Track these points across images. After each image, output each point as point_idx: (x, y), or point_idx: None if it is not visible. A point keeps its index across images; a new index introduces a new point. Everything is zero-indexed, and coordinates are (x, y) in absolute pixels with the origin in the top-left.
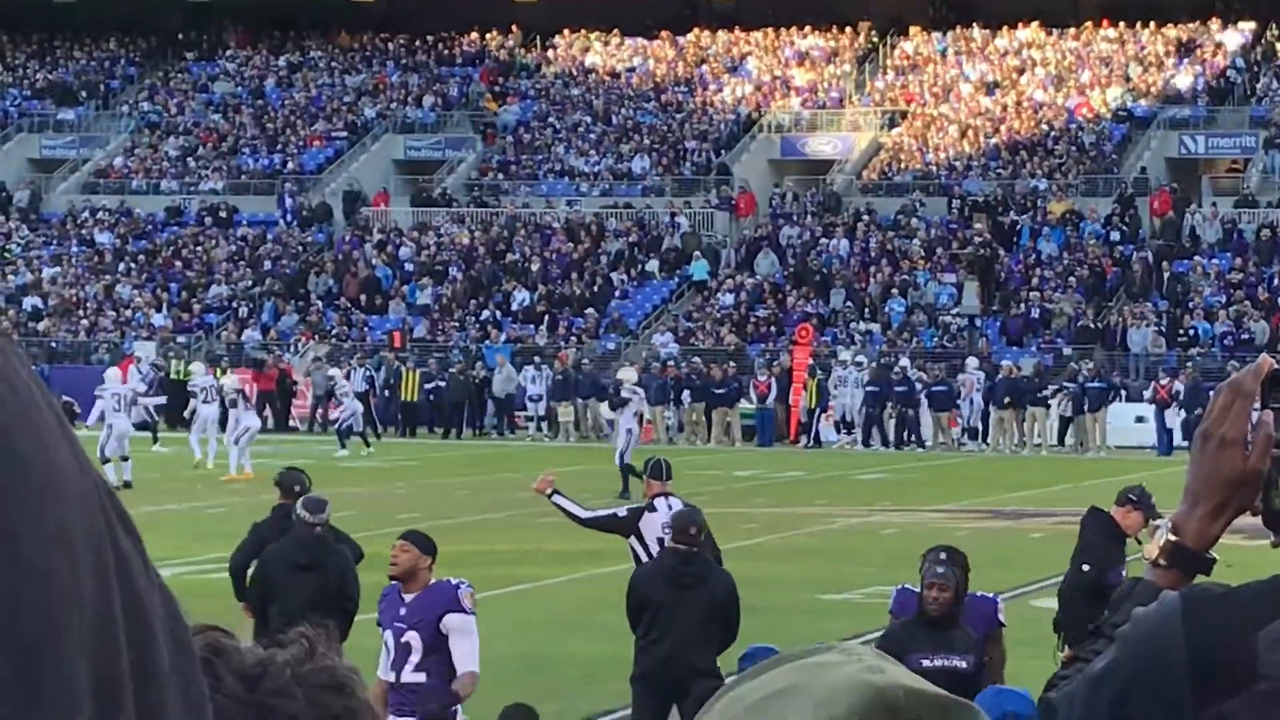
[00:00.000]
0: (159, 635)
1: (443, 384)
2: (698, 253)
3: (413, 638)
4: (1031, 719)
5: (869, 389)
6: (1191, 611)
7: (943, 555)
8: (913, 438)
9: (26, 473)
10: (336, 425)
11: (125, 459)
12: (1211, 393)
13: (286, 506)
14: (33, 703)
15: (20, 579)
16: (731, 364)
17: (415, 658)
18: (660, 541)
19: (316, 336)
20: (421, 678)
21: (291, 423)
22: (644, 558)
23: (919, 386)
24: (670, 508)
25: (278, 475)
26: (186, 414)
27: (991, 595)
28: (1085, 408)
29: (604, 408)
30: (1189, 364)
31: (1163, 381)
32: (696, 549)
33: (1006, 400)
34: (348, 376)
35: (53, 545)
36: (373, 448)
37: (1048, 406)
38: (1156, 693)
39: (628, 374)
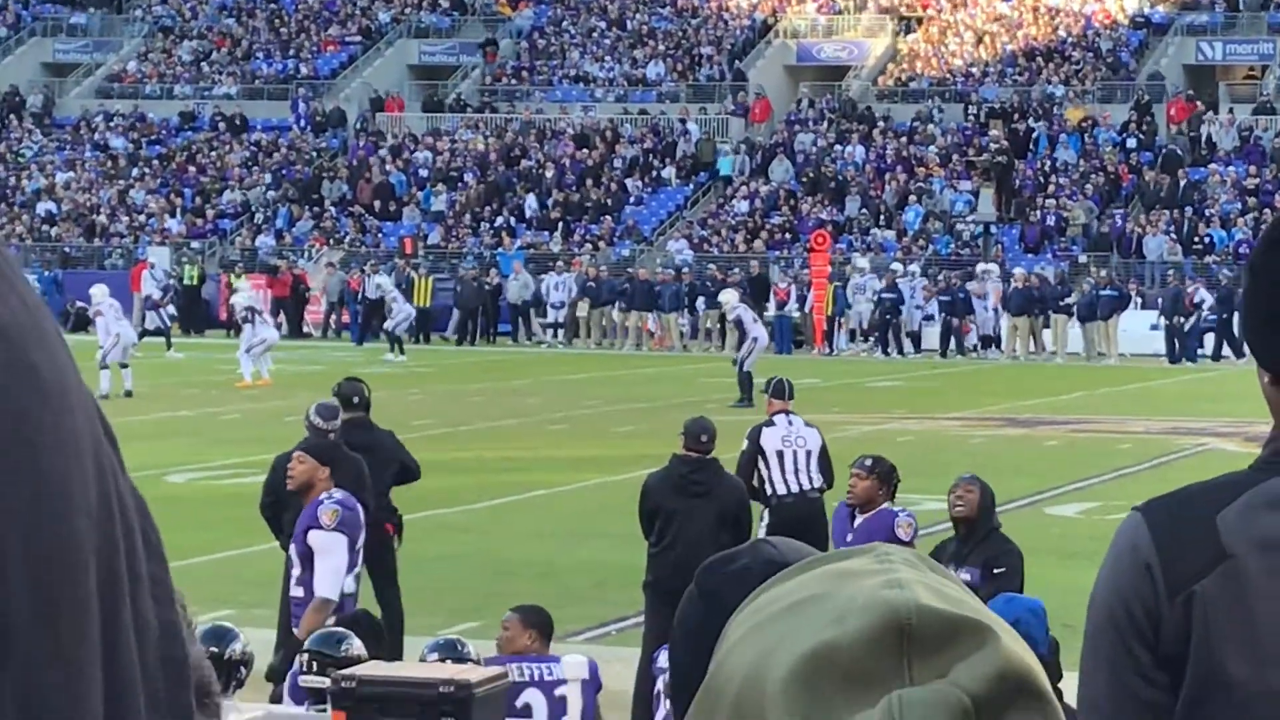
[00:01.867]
0: (138, 536)
1: (457, 290)
2: (726, 148)
3: (293, 552)
4: (1041, 626)
5: (884, 295)
6: (1151, 511)
7: (867, 462)
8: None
9: (41, 384)
10: (391, 328)
11: (125, 366)
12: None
13: (350, 420)
14: (52, 609)
15: (41, 488)
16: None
17: (295, 572)
18: (779, 455)
19: (330, 242)
20: (300, 593)
21: (305, 329)
22: (765, 474)
23: (925, 296)
24: (790, 424)
25: (336, 385)
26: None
27: (899, 510)
28: (1098, 315)
29: (614, 311)
30: (1207, 272)
31: (1188, 290)
32: (708, 456)
33: (1021, 308)
34: (361, 283)
35: (68, 455)
36: (405, 356)
37: (1070, 314)
38: (1137, 589)
39: (728, 295)
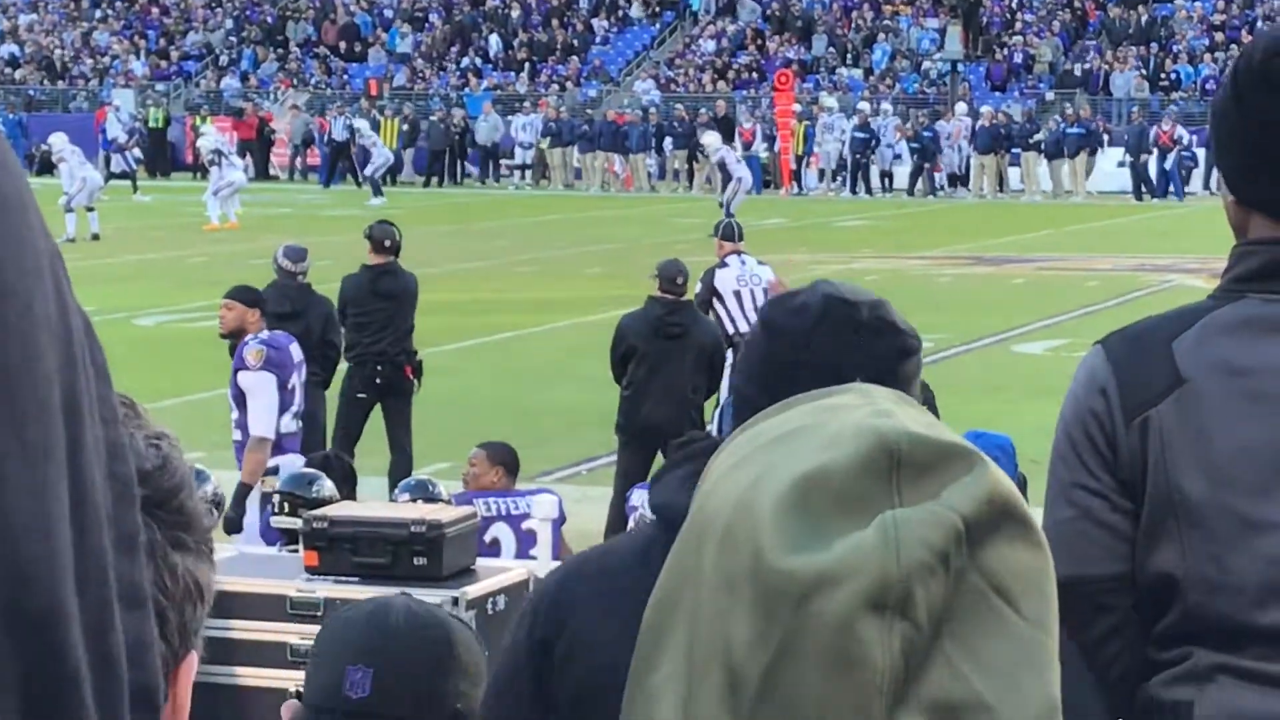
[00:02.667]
0: (85, 354)
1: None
2: None
3: (229, 396)
4: (1009, 463)
5: (856, 135)
6: (1110, 342)
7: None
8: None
9: (5, 202)
10: (371, 173)
11: (91, 210)
12: None
13: (377, 267)
14: (17, 422)
15: (5, 305)
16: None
17: (234, 415)
18: (736, 295)
19: (296, 84)
20: (239, 435)
21: (272, 171)
22: (723, 314)
23: (898, 136)
24: (743, 264)
25: (368, 229)
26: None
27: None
28: (1065, 153)
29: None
30: (1172, 107)
31: (1164, 127)
32: (682, 298)
33: (988, 146)
34: (329, 125)
35: (28, 270)
36: (384, 198)
37: (1040, 151)
38: (1095, 415)
39: (710, 138)
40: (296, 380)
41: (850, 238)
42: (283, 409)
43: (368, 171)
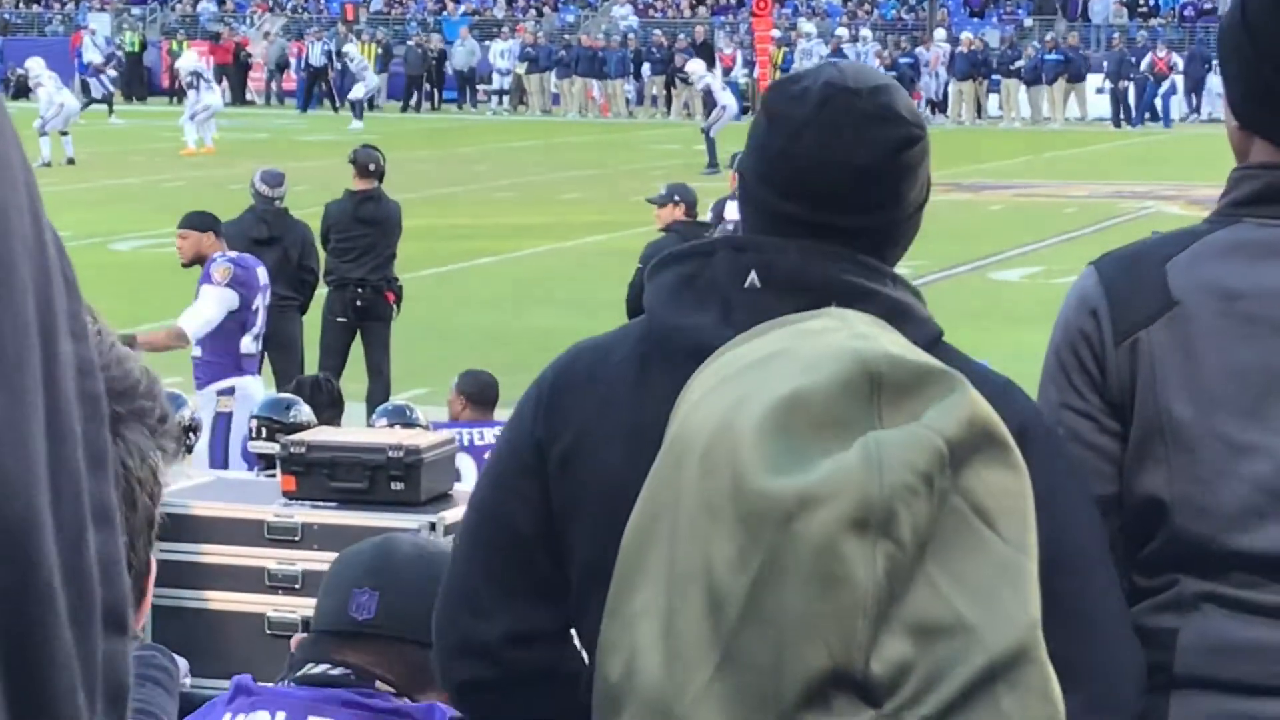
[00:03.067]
0: (57, 269)
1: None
2: None
3: None
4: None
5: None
6: (1103, 263)
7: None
8: None
9: None
10: (359, 99)
11: (65, 134)
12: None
13: (360, 193)
14: None
15: None
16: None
17: None
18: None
19: (272, 8)
20: (199, 352)
21: (248, 96)
22: None
23: (877, 63)
24: None
25: (352, 153)
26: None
27: None
28: (1044, 79)
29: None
30: (1150, 34)
31: (1160, 54)
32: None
33: (966, 73)
34: (305, 49)
35: (5, 184)
36: (363, 123)
37: (1020, 78)
38: (1085, 335)
39: (695, 65)
40: (261, 302)
41: None
42: (244, 329)
43: (357, 95)
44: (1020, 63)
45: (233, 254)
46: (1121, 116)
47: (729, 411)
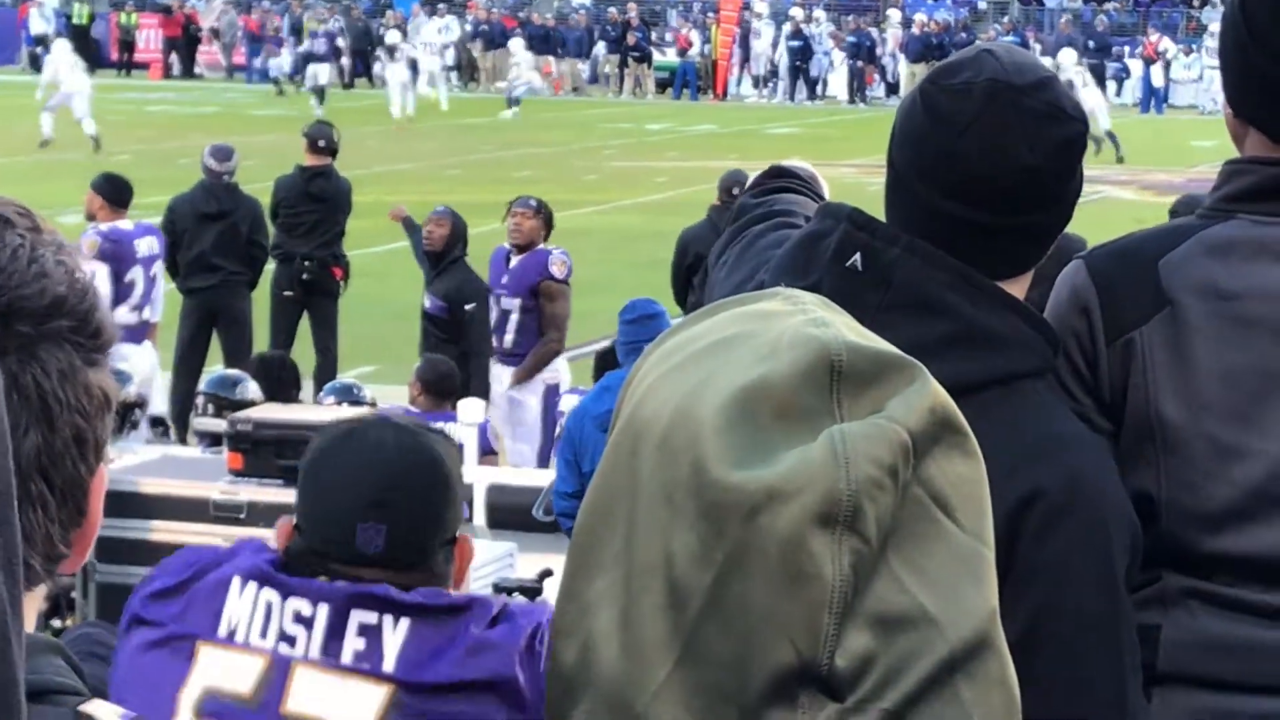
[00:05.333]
0: None
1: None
2: None
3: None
4: None
5: (790, 44)
6: (1094, 258)
7: (532, 202)
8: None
9: None
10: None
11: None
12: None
13: (311, 168)
14: None
15: None
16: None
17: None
18: None
19: None
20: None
21: (197, 70)
22: None
23: (833, 44)
24: None
25: (306, 127)
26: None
27: (553, 249)
28: None
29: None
30: (1102, 17)
31: (1151, 38)
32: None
33: (920, 55)
34: (260, 25)
35: None
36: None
37: None
38: (1075, 333)
39: (516, 44)
40: (140, 274)
41: (782, 145)
42: (118, 300)
43: (321, 81)
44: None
45: (105, 226)
46: None
47: (687, 398)
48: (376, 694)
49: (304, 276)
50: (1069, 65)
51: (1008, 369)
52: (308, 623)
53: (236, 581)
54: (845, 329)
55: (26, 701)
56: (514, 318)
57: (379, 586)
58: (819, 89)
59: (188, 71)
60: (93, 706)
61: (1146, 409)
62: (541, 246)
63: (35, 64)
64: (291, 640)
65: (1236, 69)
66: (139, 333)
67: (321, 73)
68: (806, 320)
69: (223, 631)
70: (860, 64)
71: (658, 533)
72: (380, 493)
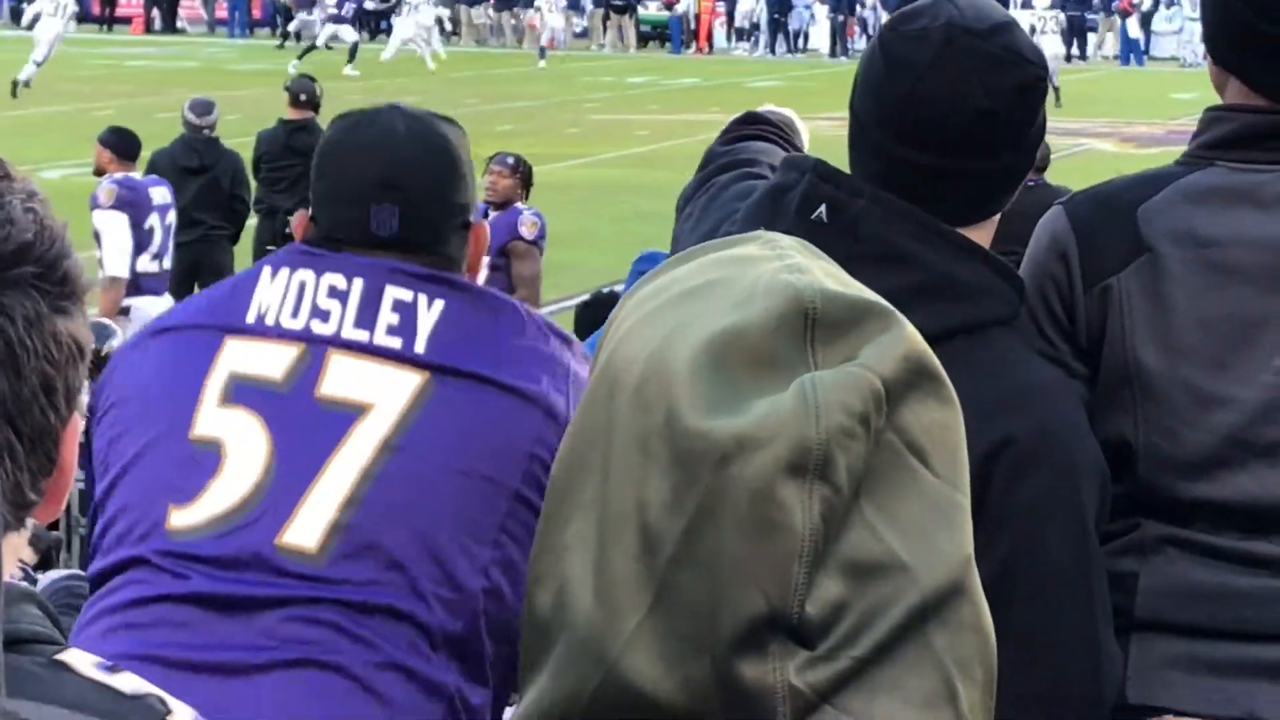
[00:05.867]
0: None
1: None
2: None
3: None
4: None
5: None
6: (1073, 204)
7: (509, 160)
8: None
9: None
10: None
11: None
12: None
13: (293, 122)
14: None
15: None
16: None
17: (96, 254)
18: None
19: None
20: (100, 275)
21: (179, 24)
22: None
23: None
24: None
25: (287, 81)
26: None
27: (525, 208)
28: None
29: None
30: None
31: None
32: None
33: (899, 5)
34: None
35: None
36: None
37: None
38: (1054, 279)
39: None
40: (158, 222)
41: (764, 98)
42: (140, 249)
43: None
44: None
45: (119, 175)
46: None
47: (661, 344)
48: (412, 380)
49: (286, 231)
50: (1041, 8)
51: (976, 317)
52: (342, 296)
53: (267, 271)
54: (822, 275)
55: (2, 650)
56: (483, 275)
57: (414, 265)
58: (800, 42)
59: (169, 26)
60: (69, 655)
61: (1124, 355)
62: (517, 205)
63: (16, 18)
64: (325, 315)
65: (1215, 17)
66: (160, 282)
67: (345, 32)
68: (783, 266)
69: (251, 317)
70: (842, 17)
71: (631, 481)
72: (391, 173)
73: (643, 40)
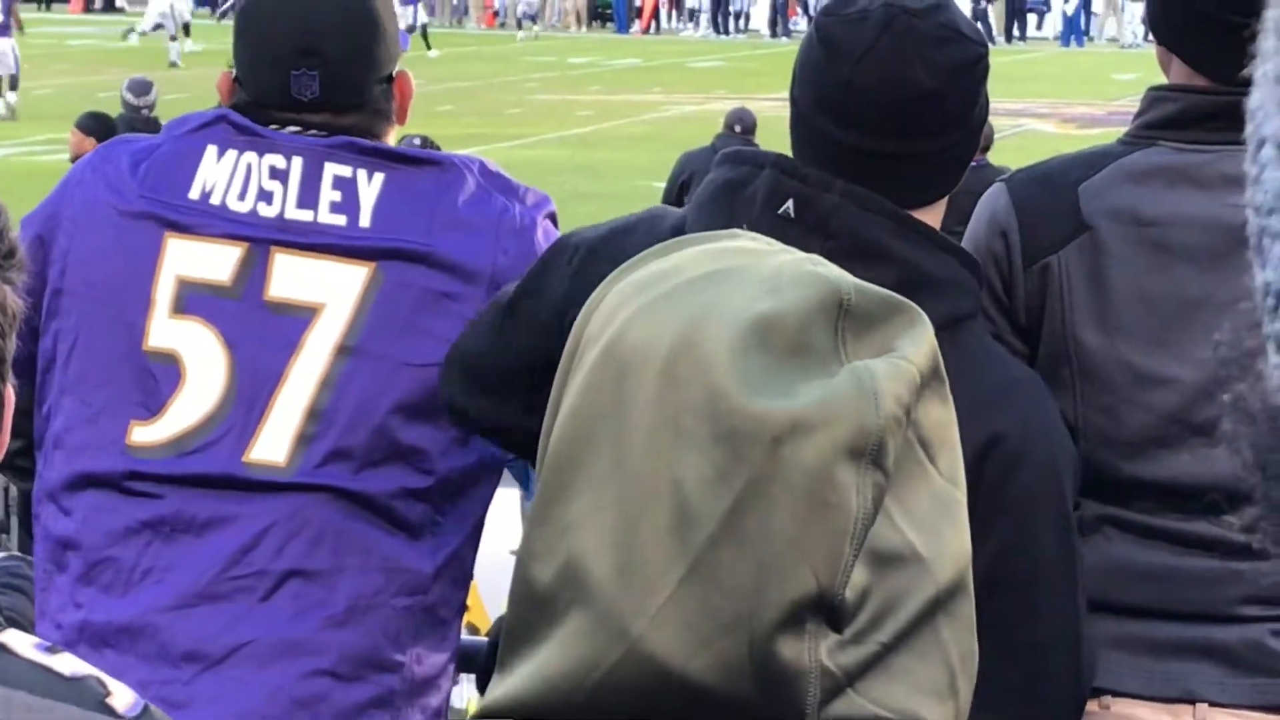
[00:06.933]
0: None
1: None
2: None
3: None
4: None
5: None
6: (1014, 182)
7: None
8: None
9: None
10: None
11: (174, 39)
12: None
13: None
14: None
15: None
16: None
17: None
18: None
19: None
20: None
21: (119, 3)
22: None
23: None
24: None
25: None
26: None
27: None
28: None
29: None
30: None
31: None
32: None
33: None
34: None
35: None
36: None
37: None
38: (994, 257)
39: None
40: None
41: (705, 78)
42: None
43: None
44: None
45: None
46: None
47: (688, 327)
48: (358, 274)
49: None
50: None
51: (951, 313)
52: (283, 176)
53: (212, 151)
54: (838, 269)
55: None
56: None
57: (352, 138)
58: (741, 22)
59: (109, 5)
60: (7, 636)
61: (1063, 333)
62: None
63: None
64: (269, 197)
65: (1193, 35)
66: None
67: (411, 12)
68: (803, 258)
69: (195, 194)
70: None
71: (661, 458)
72: (307, 39)
73: (578, 20)
